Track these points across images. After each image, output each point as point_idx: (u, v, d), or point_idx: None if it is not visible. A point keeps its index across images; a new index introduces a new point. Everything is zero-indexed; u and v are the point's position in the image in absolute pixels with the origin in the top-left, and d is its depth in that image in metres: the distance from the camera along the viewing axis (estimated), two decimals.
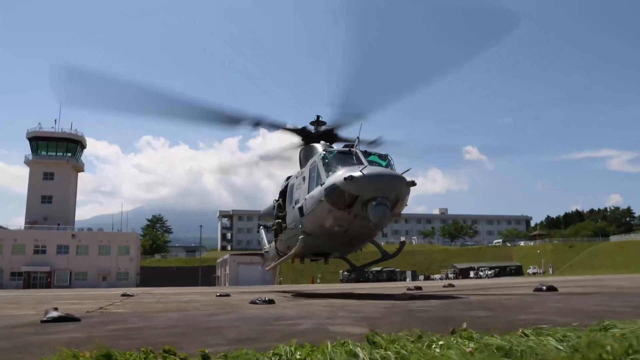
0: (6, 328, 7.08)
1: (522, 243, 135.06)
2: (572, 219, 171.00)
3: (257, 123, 18.03)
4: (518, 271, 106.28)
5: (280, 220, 19.26)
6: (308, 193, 15.65)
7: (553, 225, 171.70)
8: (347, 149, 15.45)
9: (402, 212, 15.39)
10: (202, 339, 5.21)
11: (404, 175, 14.11)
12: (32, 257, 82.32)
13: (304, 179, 16.45)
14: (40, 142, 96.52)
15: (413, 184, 14.03)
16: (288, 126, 18.59)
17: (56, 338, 5.57)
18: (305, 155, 17.81)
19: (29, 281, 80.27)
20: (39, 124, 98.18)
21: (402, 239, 18.08)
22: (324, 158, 15.12)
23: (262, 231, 23.55)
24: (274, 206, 20.64)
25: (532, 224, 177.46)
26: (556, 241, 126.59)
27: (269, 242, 23.31)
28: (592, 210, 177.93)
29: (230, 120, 17.81)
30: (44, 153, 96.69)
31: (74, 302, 15.76)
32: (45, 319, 7.69)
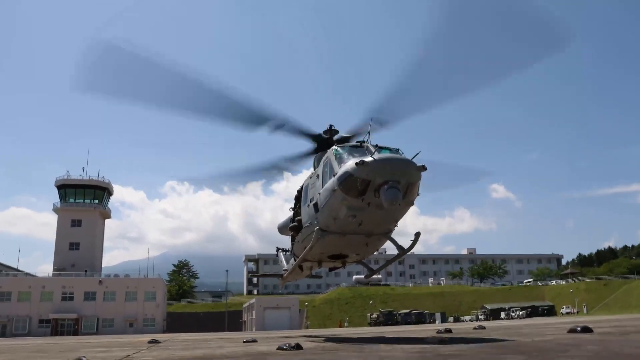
0: None
1: (553, 282, 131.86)
2: (605, 257, 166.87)
3: (280, 125, 17.82)
4: (551, 311, 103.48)
5: (296, 224, 19.22)
6: (322, 187, 15.78)
7: (585, 263, 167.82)
8: (359, 143, 15.63)
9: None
10: None
11: (414, 161, 14.08)
12: (59, 304, 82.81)
13: (317, 176, 16.67)
14: (68, 189, 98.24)
15: (424, 168, 13.99)
16: (307, 131, 18.44)
17: None
18: (319, 160, 17.74)
19: (57, 328, 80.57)
20: (67, 172, 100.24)
21: (417, 231, 17.55)
22: (336, 152, 15.37)
23: (280, 253, 23.64)
24: (290, 216, 20.82)
25: (564, 262, 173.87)
26: (589, 279, 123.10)
27: (287, 262, 23.25)
28: (625, 247, 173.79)
29: (252, 119, 17.59)
30: (71, 200, 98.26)
31: (101, 350, 15.75)
32: None
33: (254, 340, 18.94)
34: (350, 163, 14.05)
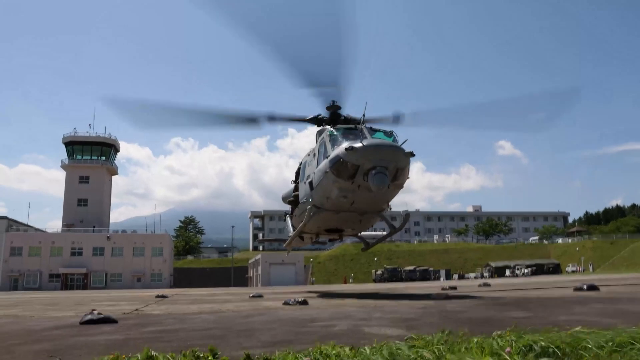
0: (48, 330, 7.19)
1: (560, 240, 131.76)
2: (612, 215, 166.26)
3: (272, 118, 18.70)
4: (556, 269, 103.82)
5: (294, 198, 20.30)
6: (317, 167, 16.56)
7: (592, 221, 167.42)
8: (354, 125, 16.27)
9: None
10: (237, 341, 5.19)
11: (403, 147, 14.81)
12: (69, 259, 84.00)
13: (314, 155, 17.46)
14: (75, 146, 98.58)
15: (411, 154, 14.75)
16: (302, 117, 19.25)
17: (95, 340, 5.62)
18: (320, 134, 18.36)
19: (67, 283, 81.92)
20: (75, 129, 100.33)
21: (403, 213, 18.48)
22: (331, 135, 15.96)
23: (288, 218, 24.15)
24: (292, 188, 21.53)
25: (570, 220, 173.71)
26: (596, 238, 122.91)
27: (293, 228, 23.80)
28: (634, 205, 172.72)
29: (247, 120, 18.73)
30: (79, 157, 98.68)
31: (110, 304, 15.98)
32: (84, 320, 7.78)
33: (260, 296, 19.15)
34: (341, 148, 14.69)
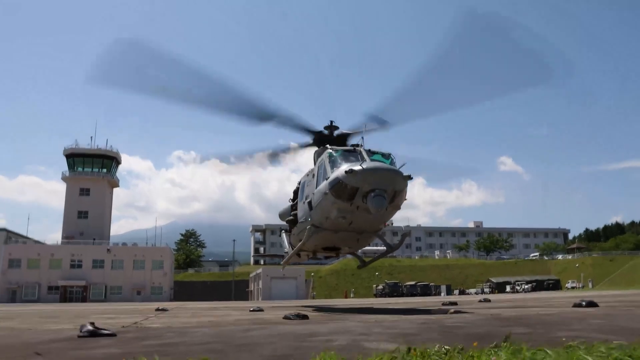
0: (45, 343, 7.18)
1: (560, 257, 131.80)
2: (612, 232, 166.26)
3: (284, 122, 18.98)
4: (556, 285, 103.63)
5: (293, 217, 20.59)
6: (316, 188, 16.90)
7: (592, 238, 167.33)
8: (353, 147, 16.61)
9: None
10: (237, 356, 5.19)
11: (401, 170, 15.20)
12: (68, 271, 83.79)
13: (313, 175, 17.77)
14: (76, 158, 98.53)
15: (409, 178, 15.08)
16: (304, 125, 19.47)
17: (92, 354, 5.62)
18: (318, 156, 18.65)
19: (66, 295, 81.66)
20: (76, 141, 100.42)
21: (404, 229, 19.20)
22: (330, 156, 16.29)
23: (284, 234, 24.40)
24: (290, 206, 21.84)
25: (570, 237, 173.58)
26: (596, 254, 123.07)
27: (289, 244, 24.14)
28: (633, 223, 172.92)
29: (261, 115, 18.66)
30: (80, 169, 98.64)
31: (109, 317, 15.93)
32: (81, 334, 7.77)
33: (261, 309, 19.12)
34: (341, 170, 15.07)
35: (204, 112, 19.59)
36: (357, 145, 16.98)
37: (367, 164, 14.86)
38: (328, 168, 16.07)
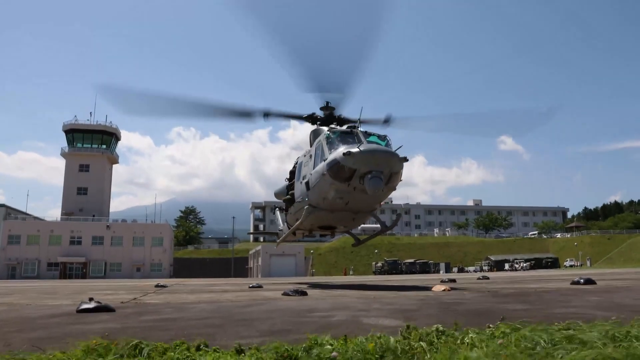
0: (43, 318, 7.19)
1: (558, 235, 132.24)
2: (610, 211, 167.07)
3: (267, 114, 19.55)
4: (554, 264, 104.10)
5: (290, 197, 21.05)
6: (313, 169, 17.24)
7: (591, 217, 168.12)
8: (350, 129, 16.83)
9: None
10: (235, 331, 5.18)
11: (397, 152, 15.51)
12: (68, 248, 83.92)
13: (310, 156, 18.11)
14: (76, 134, 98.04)
15: (405, 160, 15.50)
16: (297, 114, 20.15)
17: (91, 328, 5.62)
18: (315, 136, 19.06)
19: (65, 271, 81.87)
20: (75, 116, 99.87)
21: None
22: (327, 137, 16.63)
23: (277, 212, 24.76)
24: (286, 185, 22.27)
25: (569, 215, 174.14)
26: (594, 233, 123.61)
27: (283, 222, 24.91)
28: (631, 202, 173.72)
29: (242, 114, 19.43)
30: (79, 145, 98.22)
31: (108, 293, 16.00)
32: (80, 309, 7.78)
33: (260, 286, 19.20)
34: (339, 151, 15.36)
35: (208, 120, 21.28)
36: (354, 126, 17.18)
37: (365, 146, 15.13)
38: (326, 149, 16.35)
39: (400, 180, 16.17)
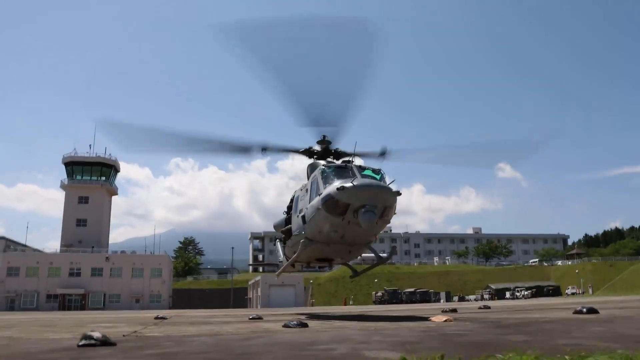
0: (44, 353, 7.15)
1: (559, 262, 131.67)
2: (611, 237, 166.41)
3: (264, 149, 19.85)
4: (556, 291, 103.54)
5: (287, 229, 21.35)
6: (309, 203, 17.63)
7: (591, 244, 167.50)
8: (344, 164, 17.28)
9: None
10: None
11: (390, 186, 15.93)
12: (67, 279, 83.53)
13: (306, 191, 18.51)
14: (75, 166, 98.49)
15: (398, 194, 15.83)
16: (294, 148, 20.45)
17: None
18: (311, 170, 19.40)
19: (64, 303, 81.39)
20: (74, 149, 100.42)
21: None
22: (322, 172, 17.00)
23: (279, 243, 24.99)
24: (284, 218, 22.62)
25: (570, 242, 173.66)
26: (595, 260, 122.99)
27: (283, 253, 25.07)
28: (632, 228, 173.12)
29: (241, 149, 19.69)
30: (79, 177, 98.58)
31: (108, 325, 15.88)
32: (81, 343, 7.74)
33: (260, 317, 19.07)
34: (333, 187, 15.75)
35: (207, 156, 21.53)
36: (349, 161, 17.73)
37: (358, 180, 15.51)
38: (321, 184, 16.75)
39: (395, 214, 16.47)
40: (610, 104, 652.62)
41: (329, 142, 19.66)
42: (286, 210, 22.43)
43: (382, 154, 19.12)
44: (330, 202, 15.70)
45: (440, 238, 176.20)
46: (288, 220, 21.60)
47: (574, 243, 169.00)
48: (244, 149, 19.63)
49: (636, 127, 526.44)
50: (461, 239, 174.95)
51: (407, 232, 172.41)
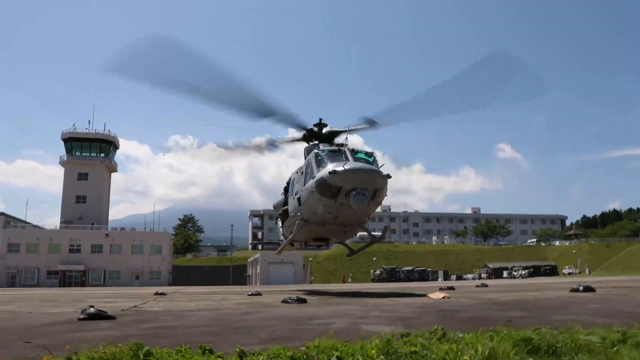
0: (45, 326, 7.22)
1: (557, 243, 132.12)
2: (609, 219, 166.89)
3: (282, 120, 20.57)
4: (553, 271, 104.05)
5: (284, 211, 22.34)
6: (304, 186, 18.32)
7: (589, 224, 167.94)
8: (338, 147, 17.91)
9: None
10: (235, 338, 5.22)
11: (381, 170, 16.66)
12: (67, 256, 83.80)
13: (302, 174, 19.18)
14: (74, 143, 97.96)
15: (388, 176, 16.49)
16: (295, 138, 21.52)
17: (93, 336, 5.65)
18: (308, 152, 19.99)
19: (65, 279, 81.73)
20: (74, 125, 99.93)
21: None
22: (317, 155, 17.61)
23: (280, 221, 25.30)
24: (282, 200, 23.52)
25: (568, 223, 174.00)
26: (593, 241, 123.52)
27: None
28: (630, 210, 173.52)
29: (262, 112, 19.66)
30: (78, 154, 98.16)
31: (108, 301, 16.00)
32: (82, 317, 7.81)
33: (259, 294, 19.23)
34: (325, 170, 16.37)
35: (210, 106, 20.54)
36: (342, 145, 18.37)
37: (350, 164, 16.18)
38: (314, 167, 17.32)
39: (386, 195, 17.13)
40: (611, 84, 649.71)
41: (325, 125, 20.34)
42: (283, 192, 23.20)
43: (372, 124, 19.54)
44: (323, 185, 16.30)
45: (439, 217, 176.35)
46: (285, 202, 22.36)
47: (572, 224, 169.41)
48: (266, 114, 19.86)
49: (637, 108, 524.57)
50: (460, 218, 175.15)
51: (406, 212, 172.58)
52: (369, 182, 15.97)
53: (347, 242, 23.54)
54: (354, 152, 17.33)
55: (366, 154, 17.49)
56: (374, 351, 3.37)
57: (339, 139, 19.77)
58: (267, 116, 19.79)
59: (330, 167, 16.32)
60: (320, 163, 17.23)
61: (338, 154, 17.22)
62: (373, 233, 20.56)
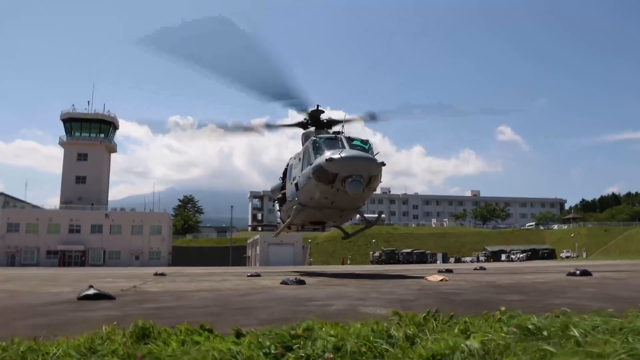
0: (45, 305, 7.25)
1: (555, 226, 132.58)
2: (608, 203, 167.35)
3: (268, 126, 22.61)
4: (551, 255, 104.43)
5: (281, 196, 23.06)
6: (301, 171, 18.95)
7: (588, 208, 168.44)
8: (334, 135, 18.67)
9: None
10: (234, 319, 5.24)
11: (376, 157, 17.42)
12: (67, 236, 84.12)
13: (299, 159, 19.82)
14: (74, 123, 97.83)
15: (383, 164, 17.18)
16: (292, 123, 22.03)
17: (92, 315, 5.68)
18: (306, 138, 20.62)
19: (64, 259, 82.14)
20: (73, 105, 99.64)
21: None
22: (314, 142, 18.22)
23: (277, 205, 25.82)
24: (280, 184, 24.11)
25: (567, 207, 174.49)
26: (591, 225, 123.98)
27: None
28: (629, 194, 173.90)
29: (278, 94, 20.25)
30: (77, 134, 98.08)
31: (108, 281, 16.05)
32: (81, 296, 7.84)
33: (258, 275, 19.31)
34: (322, 158, 17.01)
35: (225, 82, 21.04)
36: (339, 132, 19.01)
37: (346, 152, 16.83)
38: (312, 154, 17.94)
39: (381, 182, 17.93)
40: (611, 70, 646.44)
41: (322, 112, 20.70)
42: (281, 176, 23.75)
43: (372, 117, 20.33)
44: (320, 172, 16.98)
45: (438, 200, 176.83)
46: (284, 186, 22.83)
47: (570, 207, 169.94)
48: (281, 96, 20.37)
49: (638, 92, 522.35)
50: (459, 201, 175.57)
51: (405, 194, 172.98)
52: (365, 170, 16.61)
53: (345, 225, 24.15)
54: (350, 140, 17.99)
55: (362, 141, 18.13)
56: (369, 333, 3.38)
57: (337, 127, 20.23)
58: (278, 99, 20.53)
59: (328, 154, 16.90)
60: (317, 150, 17.79)
61: (335, 141, 17.85)
62: (366, 216, 21.48)
